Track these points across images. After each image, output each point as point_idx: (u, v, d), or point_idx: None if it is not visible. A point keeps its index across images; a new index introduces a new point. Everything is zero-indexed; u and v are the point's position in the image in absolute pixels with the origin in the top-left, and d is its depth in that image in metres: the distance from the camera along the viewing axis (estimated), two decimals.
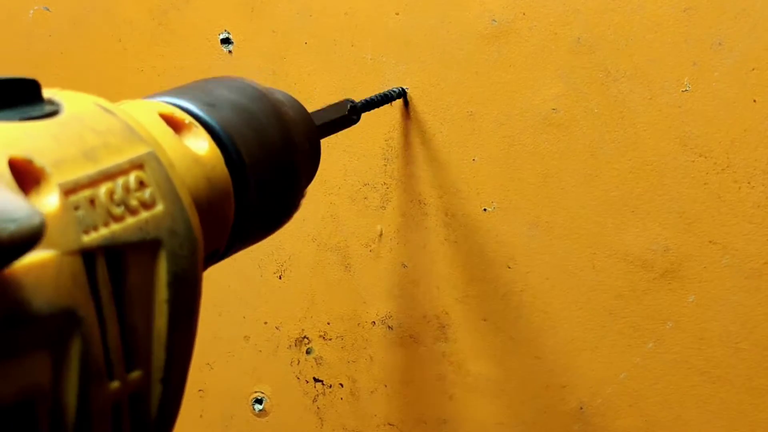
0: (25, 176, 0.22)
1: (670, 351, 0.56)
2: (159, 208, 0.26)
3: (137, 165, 0.26)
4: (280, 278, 0.67)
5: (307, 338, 0.68)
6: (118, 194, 0.24)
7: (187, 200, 0.27)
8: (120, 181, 0.25)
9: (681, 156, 0.53)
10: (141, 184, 0.25)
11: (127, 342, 0.24)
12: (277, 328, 0.69)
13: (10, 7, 0.72)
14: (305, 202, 0.39)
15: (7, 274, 0.20)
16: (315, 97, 0.62)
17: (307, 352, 0.68)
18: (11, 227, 0.18)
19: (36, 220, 0.19)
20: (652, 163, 0.54)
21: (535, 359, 0.60)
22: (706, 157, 0.53)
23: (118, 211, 0.24)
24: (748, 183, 0.52)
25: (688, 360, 0.56)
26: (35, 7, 0.71)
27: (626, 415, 0.59)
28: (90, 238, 0.23)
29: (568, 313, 0.59)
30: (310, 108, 0.43)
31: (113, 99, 0.29)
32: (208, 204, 0.30)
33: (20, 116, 0.24)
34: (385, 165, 0.61)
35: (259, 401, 0.70)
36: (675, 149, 0.53)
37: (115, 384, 0.24)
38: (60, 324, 0.22)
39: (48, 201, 0.22)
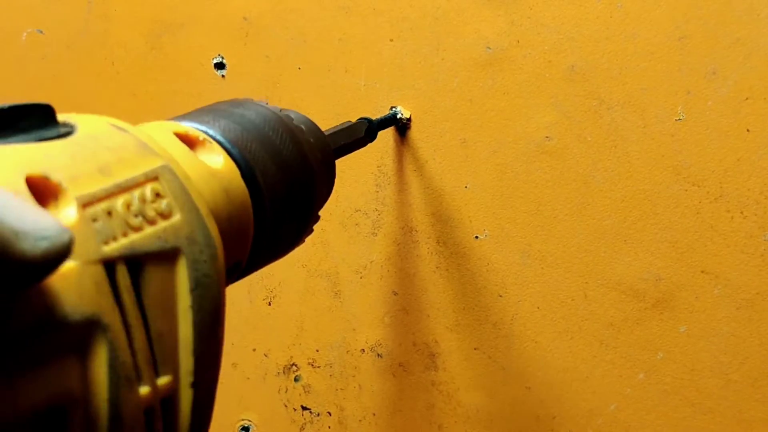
0: (43, 192, 0.23)
1: (661, 382, 0.56)
2: (176, 217, 0.26)
3: (152, 178, 0.26)
4: (269, 305, 0.67)
5: (296, 365, 0.67)
6: (135, 205, 0.25)
7: (204, 209, 0.28)
8: (136, 193, 0.25)
9: (674, 185, 0.53)
10: (157, 195, 0.26)
11: (153, 348, 0.25)
12: (265, 356, 0.68)
13: (4, 29, 0.72)
14: None
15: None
16: None
17: (296, 379, 0.67)
18: (44, 245, 0.19)
19: (65, 237, 0.19)
20: (645, 191, 0.54)
21: (525, 389, 0.60)
22: (699, 186, 0.53)
23: (136, 221, 0.25)
24: (741, 213, 0.52)
25: (679, 391, 0.56)
26: (28, 30, 0.71)
27: None
28: (110, 248, 0.24)
29: (560, 342, 0.58)
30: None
31: None
32: (227, 215, 0.31)
33: (36, 138, 0.25)
34: (377, 191, 0.61)
35: (246, 429, 0.69)
36: (668, 178, 0.53)
37: (145, 389, 0.24)
38: (86, 331, 0.22)
39: (66, 214, 0.23)
